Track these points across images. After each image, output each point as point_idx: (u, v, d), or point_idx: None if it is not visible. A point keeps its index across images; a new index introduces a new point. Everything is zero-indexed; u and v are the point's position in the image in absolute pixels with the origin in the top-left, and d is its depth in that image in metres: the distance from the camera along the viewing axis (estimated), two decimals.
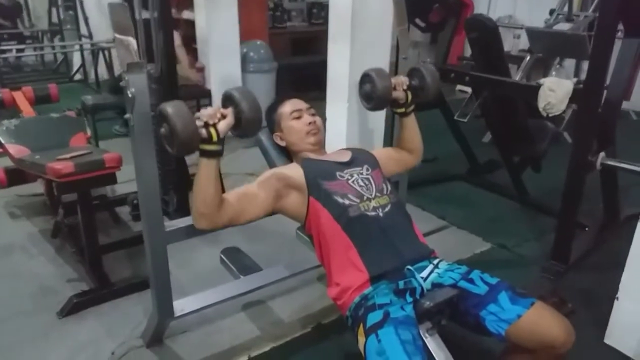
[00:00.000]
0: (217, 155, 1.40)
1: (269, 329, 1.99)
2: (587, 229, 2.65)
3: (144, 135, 1.45)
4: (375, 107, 1.85)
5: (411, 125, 1.85)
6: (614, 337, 1.87)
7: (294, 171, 1.62)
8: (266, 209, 1.57)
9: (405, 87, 1.78)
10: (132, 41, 1.44)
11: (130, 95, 1.39)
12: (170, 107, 1.31)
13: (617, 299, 1.84)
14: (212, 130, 1.37)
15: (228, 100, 1.44)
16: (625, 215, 2.78)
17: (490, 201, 3.16)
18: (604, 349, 1.88)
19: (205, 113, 1.37)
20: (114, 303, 2.12)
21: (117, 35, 1.44)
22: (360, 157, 1.70)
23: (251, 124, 1.42)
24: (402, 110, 1.81)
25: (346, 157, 1.69)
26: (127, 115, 1.44)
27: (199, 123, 1.35)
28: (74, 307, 2.05)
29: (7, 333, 1.95)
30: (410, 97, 1.79)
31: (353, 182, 1.58)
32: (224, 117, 1.40)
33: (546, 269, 2.35)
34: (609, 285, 1.91)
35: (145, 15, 2.18)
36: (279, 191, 1.58)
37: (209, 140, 1.37)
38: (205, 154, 1.39)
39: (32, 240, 2.59)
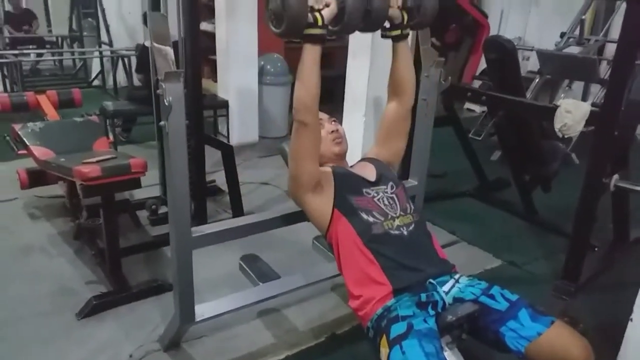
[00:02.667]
0: (321, 40, 1.46)
1: (284, 337, 2.02)
2: (596, 249, 2.67)
3: (178, 142, 1.50)
4: (370, 26, 1.61)
5: (405, 53, 1.74)
6: (627, 359, 1.88)
7: (325, 172, 1.66)
8: (315, 172, 1.61)
9: (399, 5, 1.64)
10: (170, 50, 1.48)
11: (166, 104, 1.43)
12: None
13: (631, 320, 1.85)
14: (317, 14, 1.43)
15: None
16: (634, 237, 2.81)
17: (500, 218, 3.19)
18: None
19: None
20: (132, 306, 2.15)
21: (155, 45, 1.48)
22: (385, 175, 1.73)
23: (354, 15, 1.46)
24: (398, 32, 1.67)
25: (372, 174, 1.71)
26: (162, 123, 1.48)
27: None
28: (92, 308, 2.08)
29: (27, 332, 1.98)
30: (406, 17, 1.65)
31: (378, 200, 1.61)
32: (327, 6, 1.46)
33: (557, 288, 2.37)
34: (621, 305, 1.92)
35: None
36: (319, 180, 1.61)
37: (314, 24, 1.42)
38: (309, 38, 1.45)
39: (52, 241, 2.63)
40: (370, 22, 1.58)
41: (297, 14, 1.38)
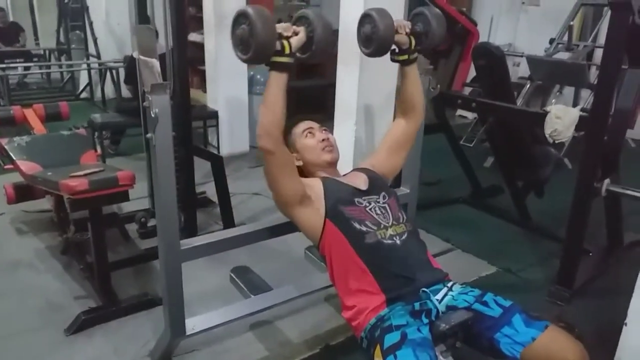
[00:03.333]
0: (288, 68, 1.44)
1: (278, 350, 1.99)
2: (590, 254, 2.67)
3: (165, 154, 1.48)
4: (375, 51, 1.63)
5: (414, 76, 1.75)
6: None
7: (314, 183, 1.64)
8: (297, 188, 1.58)
9: (407, 31, 1.66)
10: (156, 63, 1.47)
11: (153, 116, 1.42)
12: (252, 8, 1.34)
13: (626, 324, 1.84)
14: (286, 42, 1.41)
15: (301, 19, 1.47)
16: (628, 242, 2.81)
17: (494, 225, 3.18)
18: None
19: (279, 26, 1.41)
20: (122, 321, 2.11)
21: (142, 57, 1.47)
22: (376, 184, 1.71)
23: (322, 43, 1.45)
24: (405, 56, 1.69)
25: (363, 183, 1.70)
26: (148, 135, 1.47)
27: None
28: (81, 324, 2.04)
29: (15, 349, 1.94)
30: (413, 42, 1.68)
31: (371, 209, 1.60)
32: (296, 34, 1.44)
33: (552, 293, 2.36)
34: (615, 310, 1.92)
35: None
36: (304, 193, 1.59)
37: (281, 52, 1.40)
38: (276, 66, 1.43)
39: (40, 256, 2.59)
40: (376, 48, 1.60)
41: (264, 42, 1.35)
